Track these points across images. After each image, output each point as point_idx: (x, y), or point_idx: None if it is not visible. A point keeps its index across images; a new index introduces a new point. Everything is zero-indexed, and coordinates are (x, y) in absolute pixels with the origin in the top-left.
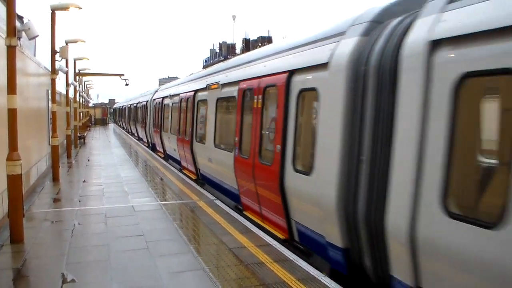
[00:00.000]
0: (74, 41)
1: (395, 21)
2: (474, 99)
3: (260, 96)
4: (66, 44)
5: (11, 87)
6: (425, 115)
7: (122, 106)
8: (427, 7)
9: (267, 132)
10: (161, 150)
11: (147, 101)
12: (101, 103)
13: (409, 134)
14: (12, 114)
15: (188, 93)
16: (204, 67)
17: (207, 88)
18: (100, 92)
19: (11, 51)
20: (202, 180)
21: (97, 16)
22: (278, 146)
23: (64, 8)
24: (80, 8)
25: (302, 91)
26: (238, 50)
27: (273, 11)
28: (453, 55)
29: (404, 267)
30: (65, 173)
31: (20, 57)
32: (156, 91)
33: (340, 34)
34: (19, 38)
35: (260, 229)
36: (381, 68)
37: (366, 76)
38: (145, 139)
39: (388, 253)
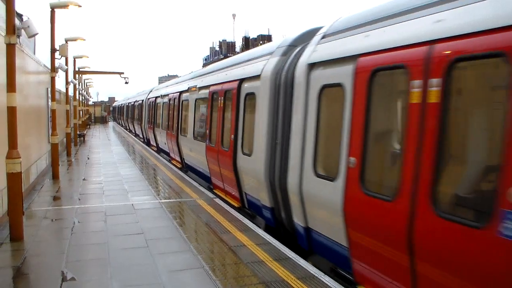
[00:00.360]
0: (74, 39)
1: (299, 47)
2: (328, 101)
3: (222, 98)
4: (66, 42)
5: (11, 85)
6: (306, 112)
7: (121, 104)
8: (312, 40)
9: (226, 126)
10: (154, 144)
11: (142, 100)
12: (101, 101)
13: (299, 125)
14: (11, 112)
15: (175, 94)
16: (204, 65)
17: (189, 90)
18: (100, 90)
19: (10, 49)
20: (186, 168)
21: (96, 14)
22: (232, 136)
23: (63, 6)
24: (79, 6)
25: (247, 95)
26: (238, 48)
27: (273, 9)
28: (318, 73)
29: (299, 213)
30: (65, 171)
31: (20, 55)
32: (151, 91)
33: (270, 53)
34: (18, 36)
35: (222, 200)
36: (286, 80)
37: (280, 85)
38: (141, 135)
39: (291, 205)
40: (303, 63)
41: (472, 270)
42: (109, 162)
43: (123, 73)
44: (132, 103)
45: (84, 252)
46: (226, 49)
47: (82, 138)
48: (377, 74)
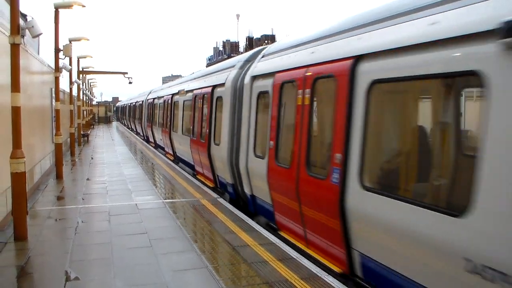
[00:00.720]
0: (78, 39)
1: (251, 63)
2: (262, 104)
3: (201, 100)
4: (70, 42)
5: (15, 85)
6: (249, 111)
7: (124, 104)
8: (256, 59)
9: (204, 122)
10: (153, 141)
11: (142, 101)
12: (105, 101)
13: (245, 121)
14: (16, 112)
15: (168, 96)
16: (208, 65)
17: (179, 93)
18: (104, 90)
19: (15, 49)
20: (177, 160)
21: (100, 14)
22: (207, 130)
23: (67, 6)
24: (83, 6)
25: (217, 98)
26: (241, 48)
27: (277, 9)
28: (257, 83)
29: (247, 185)
30: (68, 171)
31: (24, 55)
32: (150, 92)
33: (232, 66)
34: (22, 36)
35: (199, 181)
36: (240, 87)
37: (236, 90)
38: (141, 133)
39: (242, 180)
40: (249, 75)
41: (322, 201)
42: (112, 162)
43: (127, 73)
44: (134, 103)
45: (88, 252)
46: (229, 49)
47: (86, 138)
48: (284, 86)
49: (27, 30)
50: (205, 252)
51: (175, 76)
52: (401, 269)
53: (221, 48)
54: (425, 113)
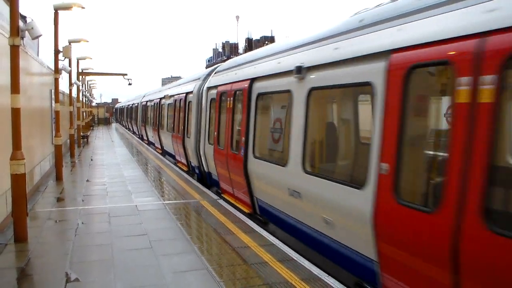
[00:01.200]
0: (77, 41)
1: (209, 76)
2: (213, 107)
3: (178, 103)
4: (69, 43)
5: (15, 87)
6: (206, 112)
7: (122, 106)
8: (212, 73)
9: (181, 120)
10: (146, 139)
11: (138, 103)
12: (104, 102)
13: (203, 119)
14: (15, 113)
15: (157, 100)
16: (207, 66)
17: (164, 97)
18: (103, 91)
19: (14, 51)
20: (164, 153)
21: (100, 15)
22: (182, 127)
23: (67, 7)
24: (83, 7)
25: (188, 103)
26: (240, 50)
27: (276, 11)
28: (210, 92)
29: (205, 165)
30: (68, 173)
31: (24, 56)
32: (143, 96)
33: (198, 79)
34: (22, 38)
35: (177, 167)
36: (202, 95)
37: (199, 97)
38: (137, 132)
39: (202, 161)
40: (205, 86)
41: (234, 164)
42: (112, 163)
43: (126, 74)
44: (130, 105)
45: (88, 253)
46: (229, 50)
47: (86, 139)
48: (222, 95)
49: (26, 31)
50: (205, 253)
51: (175, 77)
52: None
53: (220, 50)
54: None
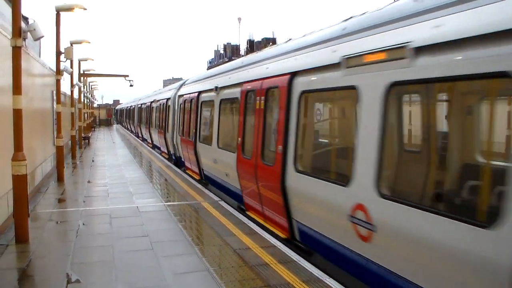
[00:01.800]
0: (79, 42)
1: (182, 86)
2: (183, 111)
3: (162, 106)
4: (71, 45)
5: (17, 88)
6: (179, 115)
7: (122, 108)
8: (184, 83)
9: (164, 120)
10: (141, 136)
11: (134, 106)
12: (106, 103)
13: (176, 119)
14: (17, 114)
15: (148, 103)
16: (209, 68)
17: (154, 101)
18: (105, 92)
19: (16, 52)
20: (153, 146)
21: (102, 17)
22: (164, 124)
23: (69, 9)
24: (85, 9)
25: (167, 106)
26: (242, 51)
27: (278, 13)
28: (181, 99)
29: (178, 152)
30: (69, 174)
31: (25, 57)
32: (140, 99)
33: (175, 88)
34: (24, 39)
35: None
36: (174, 101)
37: (174, 103)
38: (134, 131)
39: (176, 149)
40: (177, 94)
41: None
42: (113, 164)
43: (128, 75)
44: (129, 107)
45: (89, 254)
46: (230, 52)
47: (87, 140)
48: (185, 101)
49: (28, 33)
50: (207, 255)
51: (176, 79)
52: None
53: (222, 51)
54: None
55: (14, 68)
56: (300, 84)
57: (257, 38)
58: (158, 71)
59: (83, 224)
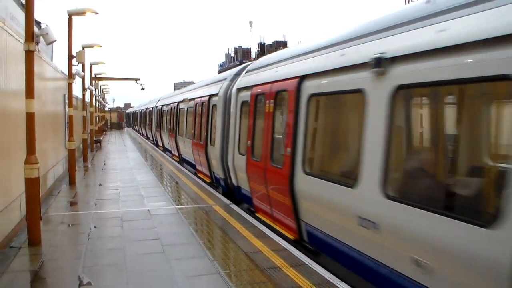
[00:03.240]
0: (91, 46)
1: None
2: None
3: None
4: (83, 48)
5: (29, 91)
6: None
7: (135, 111)
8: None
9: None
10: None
11: (152, 108)
12: (117, 107)
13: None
14: (30, 118)
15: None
16: (219, 71)
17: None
18: (116, 96)
19: (29, 56)
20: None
21: (113, 20)
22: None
23: (81, 13)
24: (96, 13)
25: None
26: (253, 55)
27: (289, 16)
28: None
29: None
30: (81, 177)
31: (38, 62)
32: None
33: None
34: (37, 43)
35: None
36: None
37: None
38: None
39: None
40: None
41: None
42: (125, 167)
43: (139, 79)
44: (144, 110)
45: (101, 257)
46: (241, 55)
47: (99, 144)
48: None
49: (41, 37)
50: (218, 258)
51: (187, 82)
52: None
53: (233, 55)
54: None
55: (27, 72)
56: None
57: (268, 41)
58: (169, 75)
59: (95, 227)
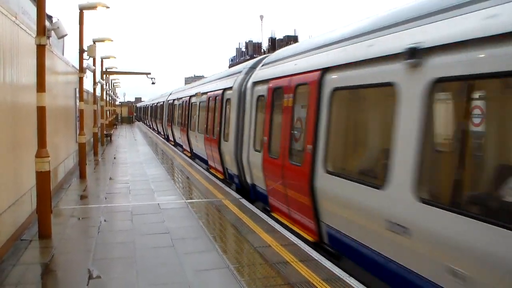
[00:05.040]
0: (102, 40)
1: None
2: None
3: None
4: (94, 43)
5: (41, 85)
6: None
7: (145, 105)
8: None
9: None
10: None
11: (163, 102)
12: (128, 101)
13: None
14: (41, 111)
15: (161, 103)
16: (230, 66)
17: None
18: (127, 90)
19: (40, 50)
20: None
21: (124, 14)
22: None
23: (92, 7)
24: (107, 7)
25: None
26: (264, 49)
27: (300, 10)
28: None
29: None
30: (91, 171)
31: (49, 56)
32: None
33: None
34: (48, 37)
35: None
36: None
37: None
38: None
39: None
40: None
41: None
42: (135, 161)
43: (150, 73)
44: (155, 104)
45: (111, 251)
46: (252, 49)
47: (109, 138)
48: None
49: (52, 31)
50: (227, 252)
51: (198, 76)
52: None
53: (243, 49)
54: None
55: (38, 66)
56: (332, 81)
57: (279, 35)
58: (180, 69)
59: (105, 220)
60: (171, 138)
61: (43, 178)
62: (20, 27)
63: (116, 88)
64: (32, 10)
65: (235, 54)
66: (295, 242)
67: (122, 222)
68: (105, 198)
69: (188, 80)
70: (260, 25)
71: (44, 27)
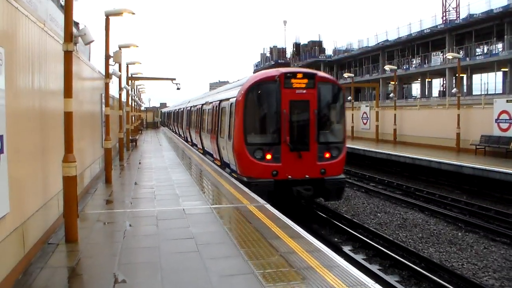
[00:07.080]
0: (127, 46)
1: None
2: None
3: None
4: (119, 48)
5: (68, 91)
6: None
7: (170, 110)
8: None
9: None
10: (177, 131)
11: (172, 111)
12: (153, 106)
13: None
14: (68, 117)
15: (182, 109)
16: (255, 71)
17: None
18: (152, 95)
19: (68, 56)
20: (186, 140)
21: (149, 20)
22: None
23: (118, 13)
24: (133, 13)
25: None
26: (288, 55)
27: (324, 15)
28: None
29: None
30: (117, 176)
31: (76, 62)
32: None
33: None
34: (75, 44)
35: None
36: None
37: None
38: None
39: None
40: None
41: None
42: (160, 167)
43: (175, 79)
44: (169, 111)
45: (136, 255)
46: (277, 55)
47: (134, 143)
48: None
49: (79, 37)
50: (252, 257)
51: (222, 82)
52: None
53: (268, 54)
54: None
55: (65, 72)
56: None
57: (303, 41)
58: (205, 74)
59: (130, 225)
60: (189, 139)
61: (69, 182)
62: (48, 34)
63: (142, 94)
64: (60, 16)
65: (259, 60)
66: (320, 248)
67: (147, 227)
68: (131, 203)
69: (213, 86)
70: (283, 30)
71: (71, 33)
